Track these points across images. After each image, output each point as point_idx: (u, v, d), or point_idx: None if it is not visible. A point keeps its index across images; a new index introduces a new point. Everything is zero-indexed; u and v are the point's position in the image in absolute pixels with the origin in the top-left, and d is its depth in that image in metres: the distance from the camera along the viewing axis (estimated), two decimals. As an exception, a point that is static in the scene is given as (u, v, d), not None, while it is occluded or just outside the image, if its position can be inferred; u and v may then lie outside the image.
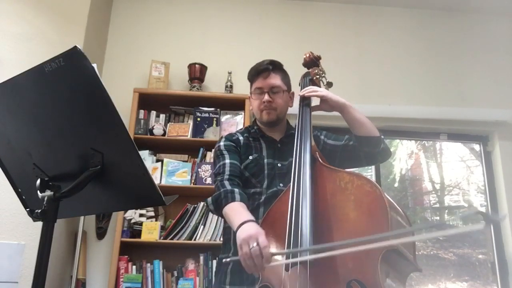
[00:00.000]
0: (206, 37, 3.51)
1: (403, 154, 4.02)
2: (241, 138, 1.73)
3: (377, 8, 3.70)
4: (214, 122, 3.05)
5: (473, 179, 3.86)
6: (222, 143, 1.70)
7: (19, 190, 1.11)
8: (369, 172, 3.53)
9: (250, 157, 1.66)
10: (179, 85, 3.30)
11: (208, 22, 3.56)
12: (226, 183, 1.54)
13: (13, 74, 0.98)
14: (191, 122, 3.08)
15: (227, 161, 1.62)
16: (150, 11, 3.55)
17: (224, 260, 1.32)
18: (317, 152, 1.46)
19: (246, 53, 3.34)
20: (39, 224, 0.95)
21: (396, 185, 3.96)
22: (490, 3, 3.63)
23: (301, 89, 1.69)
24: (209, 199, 1.55)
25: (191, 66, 3.22)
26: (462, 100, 3.49)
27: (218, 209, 1.51)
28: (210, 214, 2.80)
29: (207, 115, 3.07)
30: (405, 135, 3.66)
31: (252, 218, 1.36)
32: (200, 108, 3.07)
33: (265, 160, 1.65)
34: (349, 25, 3.66)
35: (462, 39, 3.69)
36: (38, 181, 0.98)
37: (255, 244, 1.22)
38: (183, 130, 3.04)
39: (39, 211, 0.94)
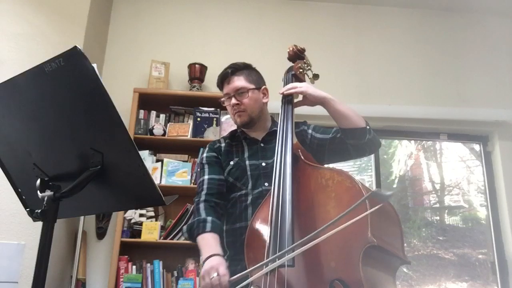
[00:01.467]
0: (206, 37, 3.51)
1: (403, 155, 4.02)
2: (222, 145, 1.76)
3: (377, 8, 3.70)
4: (214, 122, 3.05)
5: (473, 179, 3.86)
6: (204, 155, 1.75)
7: (19, 190, 1.11)
8: (369, 172, 3.53)
9: (231, 163, 1.68)
10: (179, 85, 3.30)
11: (208, 22, 3.56)
12: (201, 207, 1.59)
13: (13, 74, 0.98)
14: (191, 122, 3.08)
15: (206, 177, 1.68)
16: (150, 11, 3.55)
17: None
18: (299, 150, 1.45)
19: (246, 53, 3.34)
20: (39, 224, 0.95)
21: (396, 185, 3.96)
22: (490, 3, 3.63)
23: (283, 85, 1.68)
24: (185, 227, 1.62)
25: (191, 66, 3.22)
26: (462, 100, 3.49)
27: (191, 238, 1.58)
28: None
29: (207, 115, 3.07)
30: (405, 135, 3.66)
31: (218, 251, 1.43)
32: (200, 108, 3.07)
33: (247, 162, 1.66)
34: (349, 25, 3.66)
35: (462, 39, 3.69)
36: (38, 181, 0.99)
37: (215, 274, 1.31)
38: (183, 130, 3.04)
39: (39, 211, 0.94)
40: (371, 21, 3.68)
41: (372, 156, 3.43)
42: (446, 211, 3.97)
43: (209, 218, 1.54)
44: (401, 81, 3.53)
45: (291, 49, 1.74)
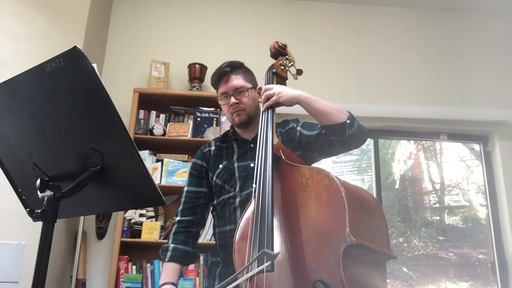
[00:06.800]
0: (206, 37, 3.51)
1: (403, 155, 4.02)
2: (212, 148, 1.74)
3: (377, 8, 3.70)
4: (214, 122, 3.05)
5: (473, 179, 3.86)
6: (192, 161, 1.77)
7: (19, 190, 1.11)
8: (369, 173, 3.53)
9: (220, 166, 1.67)
10: (179, 85, 3.30)
11: (208, 22, 3.56)
12: (173, 230, 1.66)
13: (13, 74, 0.97)
14: (191, 122, 3.08)
15: (185, 189, 1.72)
16: (150, 11, 3.55)
17: None
18: (280, 150, 1.42)
19: (246, 53, 3.34)
20: (39, 224, 0.95)
21: (396, 186, 3.96)
22: (490, 3, 3.63)
23: (264, 84, 1.65)
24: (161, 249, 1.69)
25: (191, 66, 3.22)
26: (462, 100, 3.49)
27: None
28: (210, 215, 2.79)
29: (207, 115, 3.07)
30: (405, 135, 3.66)
31: (170, 280, 1.55)
32: (200, 108, 3.07)
33: (236, 164, 1.64)
34: (349, 25, 3.66)
35: (462, 39, 3.69)
36: (38, 181, 0.98)
37: None
38: (183, 130, 3.04)
39: (39, 211, 0.94)
40: (371, 21, 3.68)
41: (372, 156, 3.44)
42: (446, 211, 3.97)
43: (171, 246, 1.61)
44: (401, 81, 3.53)
45: (271, 46, 1.71)
